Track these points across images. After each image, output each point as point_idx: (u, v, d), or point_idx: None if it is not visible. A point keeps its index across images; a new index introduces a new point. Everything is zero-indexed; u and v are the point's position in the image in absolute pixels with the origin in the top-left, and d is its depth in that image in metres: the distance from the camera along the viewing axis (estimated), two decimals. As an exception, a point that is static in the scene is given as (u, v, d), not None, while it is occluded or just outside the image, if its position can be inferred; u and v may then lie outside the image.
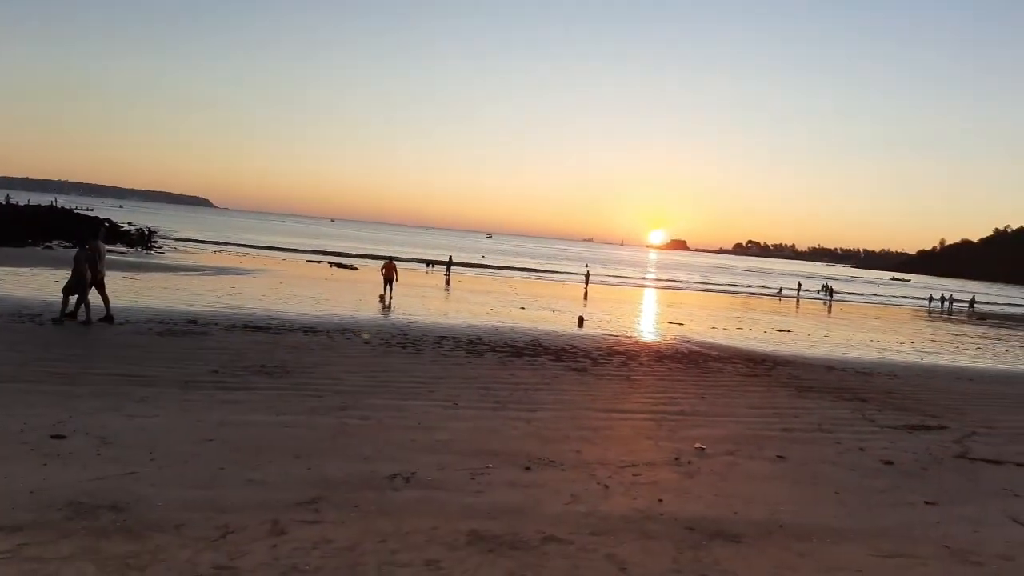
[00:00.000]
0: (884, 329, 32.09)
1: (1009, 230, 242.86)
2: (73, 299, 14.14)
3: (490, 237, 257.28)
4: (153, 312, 16.68)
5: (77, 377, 9.48)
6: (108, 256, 17.07)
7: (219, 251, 50.21)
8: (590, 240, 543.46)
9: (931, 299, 62.07)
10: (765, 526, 5.70)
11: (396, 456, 6.91)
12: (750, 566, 4.91)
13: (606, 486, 6.49)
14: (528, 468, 6.84)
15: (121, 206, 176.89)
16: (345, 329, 16.53)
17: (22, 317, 14.09)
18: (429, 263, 52.84)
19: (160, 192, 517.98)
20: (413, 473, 6.42)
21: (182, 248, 49.20)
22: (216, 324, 15.60)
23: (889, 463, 8.11)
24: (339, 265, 44.98)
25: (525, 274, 57.55)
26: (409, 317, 20.48)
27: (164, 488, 5.64)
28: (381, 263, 28.70)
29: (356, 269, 43.16)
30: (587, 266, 64.01)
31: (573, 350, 16.19)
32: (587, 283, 47.85)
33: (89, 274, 14.25)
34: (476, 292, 33.71)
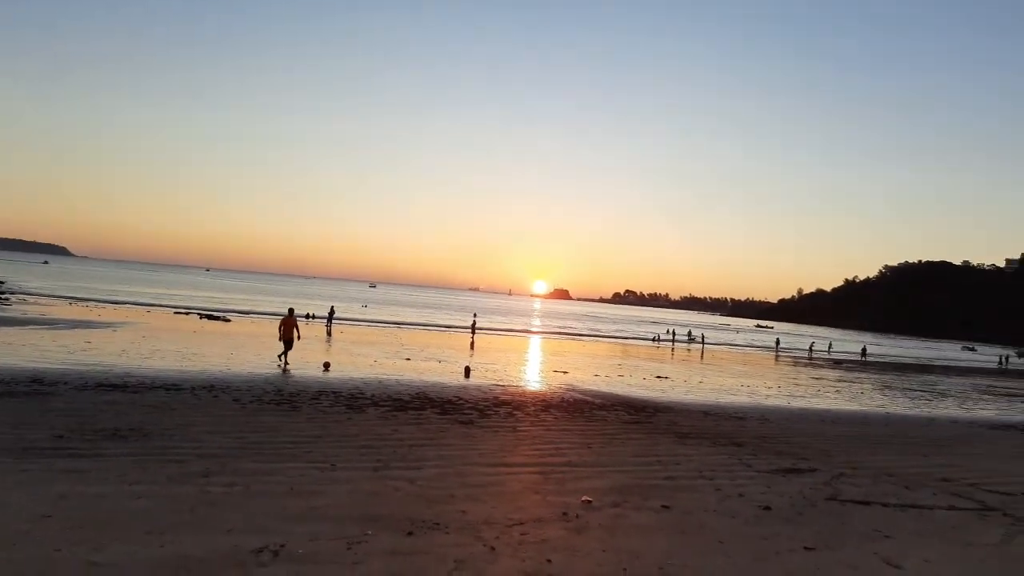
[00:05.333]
0: (752, 374, 33.81)
1: (857, 280, 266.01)
2: None
3: (374, 286, 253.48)
4: (-11, 371, 14.93)
5: None
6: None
7: (75, 303, 46.33)
8: (476, 289, 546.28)
9: (777, 343, 67.02)
10: (654, 583, 5.58)
11: (264, 527, 6.32)
12: (641, 628, 4.74)
13: (493, 548, 6.19)
14: (410, 533, 6.44)
15: (46, 261, 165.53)
16: (212, 386, 15.42)
17: None
18: (309, 315, 51.07)
19: (10, 239, 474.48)
20: (282, 545, 5.87)
21: (33, 300, 45.03)
22: (65, 383, 14.16)
23: (767, 508, 8.30)
24: (210, 317, 42.54)
25: (411, 325, 56.73)
26: (285, 371, 19.46)
27: (-19, 580, 4.84)
28: (279, 320, 23.12)
29: (228, 321, 40.98)
30: (474, 315, 63.94)
31: (459, 402, 15.87)
32: (473, 332, 47.72)
33: None
34: (359, 343, 32.75)
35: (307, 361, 22.21)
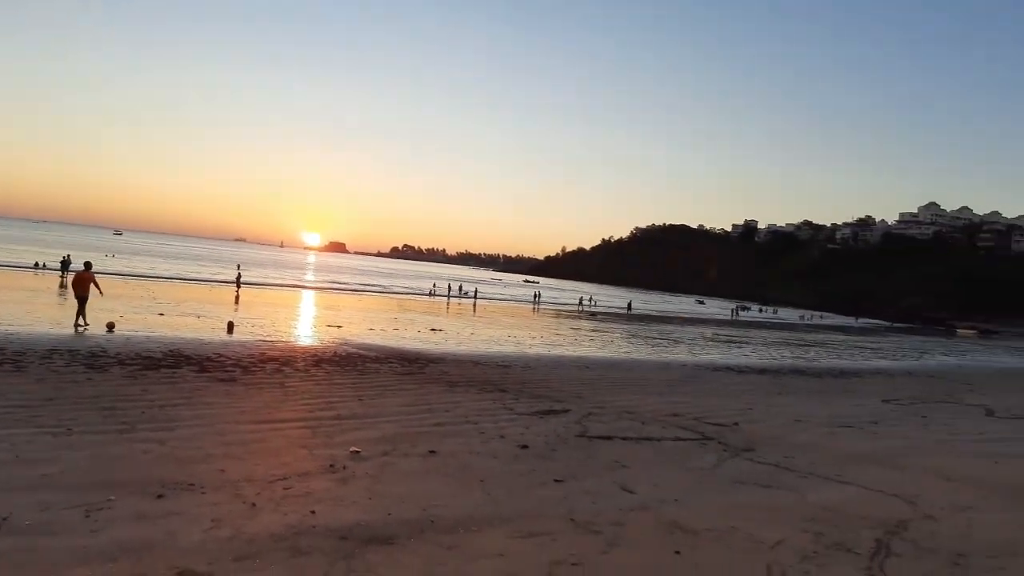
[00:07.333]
0: (519, 326, 35.80)
1: (612, 240, 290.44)
2: None
3: (119, 233, 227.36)
4: None
5: None
6: None
7: None
8: (242, 240, 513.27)
9: (536, 296, 70.76)
10: (417, 524, 5.82)
11: (-20, 501, 5.56)
12: (402, 567, 4.95)
13: (253, 504, 6.02)
14: (161, 496, 6.04)
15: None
16: (-90, 346, 13.01)
17: None
18: (38, 264, 44.68)
19: None
20: (5, 518, 5.22)
21: None
22: None
23: (525, 447, 8.96)
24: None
25: (165, 277, 51.88)
26: (8, 327, 16.96)
27: None
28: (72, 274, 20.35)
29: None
30: (239, 267, 60.04)
31: (220, 359, 14.97)
32: (238, 286, 44.94)
33: None
34: (102, 296, 29.31)
35: (38, 317, 19.49)
